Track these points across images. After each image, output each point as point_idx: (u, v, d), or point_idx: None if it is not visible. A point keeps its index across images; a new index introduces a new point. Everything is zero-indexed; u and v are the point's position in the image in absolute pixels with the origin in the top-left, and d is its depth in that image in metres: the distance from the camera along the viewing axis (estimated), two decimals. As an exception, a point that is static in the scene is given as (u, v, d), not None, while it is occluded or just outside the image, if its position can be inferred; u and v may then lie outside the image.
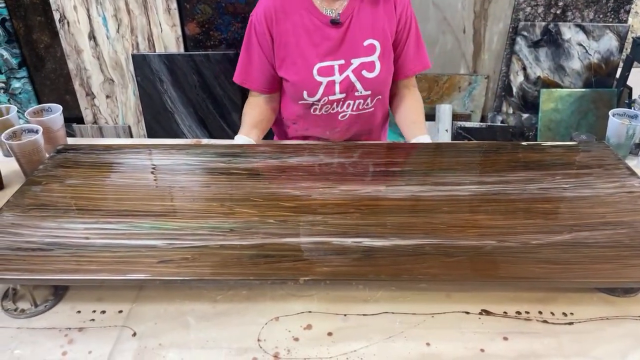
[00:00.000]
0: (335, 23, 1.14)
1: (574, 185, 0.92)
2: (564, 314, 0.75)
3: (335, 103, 1.21)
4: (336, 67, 1.16)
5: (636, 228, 0.80)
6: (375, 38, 1.16)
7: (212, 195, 0.91)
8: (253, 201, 0.89)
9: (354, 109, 1.22)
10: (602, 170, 0.96)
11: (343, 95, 1.19)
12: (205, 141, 1.20)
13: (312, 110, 1.22)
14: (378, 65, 1.17)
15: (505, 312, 0.76)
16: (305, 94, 1.18)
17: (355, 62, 1.16)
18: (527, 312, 0.76)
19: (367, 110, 1.24)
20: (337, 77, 1.17)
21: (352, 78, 1.17)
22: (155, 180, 0.96)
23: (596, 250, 0.76)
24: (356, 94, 1.20)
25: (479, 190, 0.91)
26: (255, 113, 1.24)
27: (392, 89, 1.30)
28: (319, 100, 1.19)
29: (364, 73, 1.17)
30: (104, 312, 0.77)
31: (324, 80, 1.17)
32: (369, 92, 1.20)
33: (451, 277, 0.73)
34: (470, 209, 0.86)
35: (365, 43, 1.16)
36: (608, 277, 0.73)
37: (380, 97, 1.23)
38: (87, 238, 0.80)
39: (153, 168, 1.00)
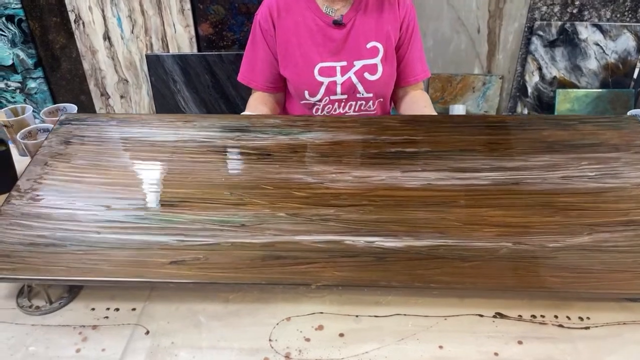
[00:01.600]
0: (337, 24, 1.14)
1: (600, 174, 0.87)
2: (580, 319, 0.74)
3: (337, 103, 1.20)
4: (338, 69, 1.15)
5: (658, 230, 0.78)
6: (378, 41, 1.15)
7: (221, 182, 0.88)
8: (263, 189, 0.86)
9: (356, 109, 1.22)
10: (630, 154, 0.90)
11: (345, 96, 1.18)
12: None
13: (314, 111, 1.22)
14: (380, 68, 1.16)
15: (520, 316, 0.75)
16: (306, 93, 1.18)
17: (358, 64, 1.15)
18: (543, 316, 0.74)
19: (369, 112, 1.23)
20: (339, 79, 1.16)
21: (354, 80, 1.16)
22: (162, 161, 0.93)
23: (615, 256, 0.74)
24: (358, 95, 1.19)
25: (498, 178, 0.87)
26: (260, 99, 1.24)
27: (400, 94, 1.28)
28: (320, 101, 1.19)
29: (366, 75, 1.16)
30: (117, 309, 0.78)
31: (325, 80, 1.16)
32: (370, 95, 1.19)
33: (465, 285, 0.72)
34: (487, 202, 0.83)
35: (369, 45, 1.15)
36: (625, 288, 0.71)
37: (382, 99, 1.22)
38: (98, 232, 0.80)
39: (160, 146, 0.96)
